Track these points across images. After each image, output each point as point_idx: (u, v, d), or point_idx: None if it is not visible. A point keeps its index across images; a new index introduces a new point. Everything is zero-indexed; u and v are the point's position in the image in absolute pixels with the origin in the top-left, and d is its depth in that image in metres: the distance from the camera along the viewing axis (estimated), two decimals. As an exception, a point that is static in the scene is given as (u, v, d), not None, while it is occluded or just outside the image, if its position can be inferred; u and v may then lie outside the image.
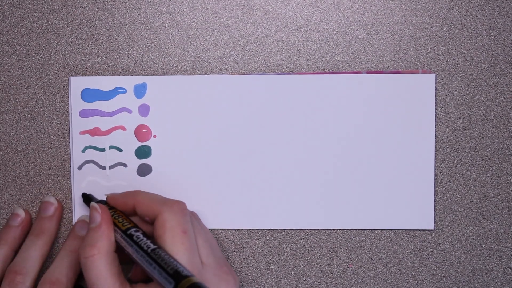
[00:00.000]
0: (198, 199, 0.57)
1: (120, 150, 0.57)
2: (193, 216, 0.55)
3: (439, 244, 0.57)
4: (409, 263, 0.57)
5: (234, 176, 0.57)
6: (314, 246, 0.57)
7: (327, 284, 0.58)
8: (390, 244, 0.57)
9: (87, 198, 0.56)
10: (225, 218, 0.57)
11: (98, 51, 0.57)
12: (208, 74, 0.57)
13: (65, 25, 0.57)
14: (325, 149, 0.57)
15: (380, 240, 0.57)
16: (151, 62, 0.57)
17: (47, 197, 0.57)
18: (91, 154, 0.57)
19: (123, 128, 0.57)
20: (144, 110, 0.57)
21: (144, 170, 0.57)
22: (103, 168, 0.57)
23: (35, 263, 0.53)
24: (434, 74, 0.56)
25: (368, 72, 0.57)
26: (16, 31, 0.57)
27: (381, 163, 0.57)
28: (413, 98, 0.56)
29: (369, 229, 0.57)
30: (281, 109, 0.57)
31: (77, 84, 0.57)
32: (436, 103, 0.57)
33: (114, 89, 0.57)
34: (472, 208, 0.57)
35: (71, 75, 0.57)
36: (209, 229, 0.57)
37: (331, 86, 0.56)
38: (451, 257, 0.57)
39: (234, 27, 0.57)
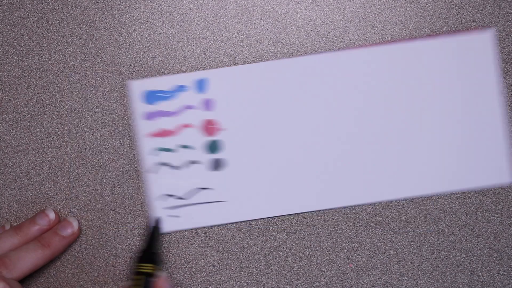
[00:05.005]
0: (270, 186, 0.57)
1: (190, 147, 0.57)
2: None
3: (439, 243, 0.57)
4: (409, 263, 0.57)
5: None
6: (314, 246, 0.57)
7: (327, 284, 0.58)
8: (390, 243, 0.57)
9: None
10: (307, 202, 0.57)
11: (98, 51, 0.57)
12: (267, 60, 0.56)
13: (65, 25, 0.57)
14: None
15: (380, 240, 0.57)
16: (151, 62, 0.57)
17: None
18: (162, 156, 0.57)
19: (190, 125, 0.57)
20: (208, 104, 0.57)
21: (217, 165, 0.57)
22: (177, 168, 0.57)
23: (25, 268, 0.53)
24: (492, 30, 0.56)
25: (427, 36, 0.56)
26: (16, 31, 0.57)
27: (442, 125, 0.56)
28: (469, 60, 0.56)
29: (442, 192, 0.57)
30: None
31: (137, 87, 0.57)
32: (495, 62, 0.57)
33: (174, 87, 0.57)
34: (472, 207, 0.57)
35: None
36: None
37: (381, 59, 0.56)
38: (451, 257, 0.57)
39: (234, 27, 0.57)
